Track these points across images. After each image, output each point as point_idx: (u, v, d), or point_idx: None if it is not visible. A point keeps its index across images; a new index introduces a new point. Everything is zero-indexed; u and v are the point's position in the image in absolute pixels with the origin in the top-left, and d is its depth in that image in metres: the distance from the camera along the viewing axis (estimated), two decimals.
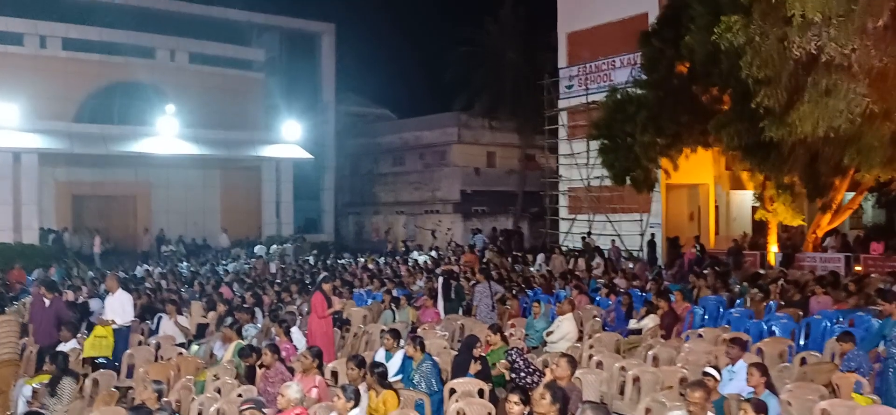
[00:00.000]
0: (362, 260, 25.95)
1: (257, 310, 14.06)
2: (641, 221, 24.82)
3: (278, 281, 20.00)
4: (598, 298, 15.00)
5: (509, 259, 23.83)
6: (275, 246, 29.63)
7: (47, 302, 11.88)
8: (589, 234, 26.01)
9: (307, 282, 19.36)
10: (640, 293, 14.96)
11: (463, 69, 34.17)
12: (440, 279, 16.10)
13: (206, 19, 36.85)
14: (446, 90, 35.71)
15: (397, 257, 26.77)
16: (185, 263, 25.55)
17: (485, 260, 22.56)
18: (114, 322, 11.53)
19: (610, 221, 25.88)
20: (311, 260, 26.63)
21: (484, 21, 34.34)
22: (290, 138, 33.40)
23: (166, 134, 30.05)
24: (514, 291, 15.38)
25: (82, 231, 30.59)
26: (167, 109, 30.74)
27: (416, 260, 25.07)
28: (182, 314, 13.99)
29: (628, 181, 21.89)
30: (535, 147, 34.01)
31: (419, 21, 70.62)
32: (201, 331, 13.43)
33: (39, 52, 32.15)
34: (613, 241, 24.66)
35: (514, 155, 36.52)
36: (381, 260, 26.09)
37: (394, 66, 56.98)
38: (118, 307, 11.91)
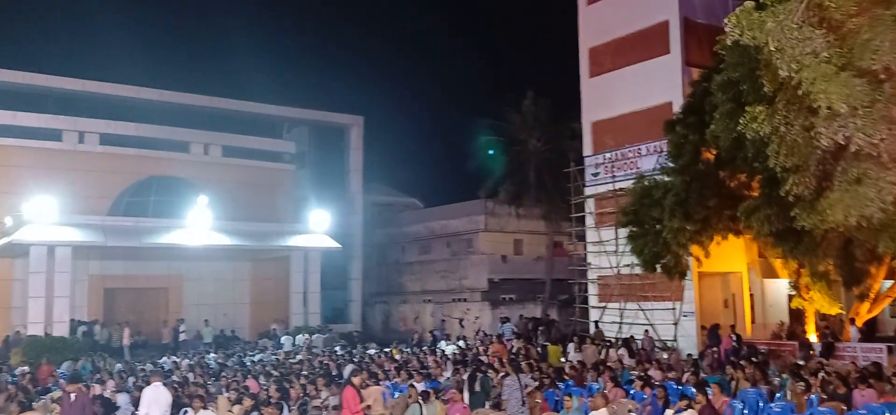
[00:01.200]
0: (389, 350, 25.68)
1: (284, 404, 13.88)
2: (674, 309, 24.37)
3: (305, 372, 19.79)
4: (632, 391, 14.61)
5: (538, 349, 23.42)
6: (302, 336, 29.55)
7: (73, 396, 11.89)
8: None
9: (334, 374, 19.14)
10: (676, 386, 14.54)
11: (486, 158, 34.57)
12: (467, 371, 15.84)
13: (239, 114, 37.97)
14: (471, 179, 36.05)
15: (425, 347, 26.45)
16: (212, 355, 25.47)
17: (513, 350, 22.19)
18: None
19: (642, 310, 25.44)
20: (339, 350, 26.43)
21: (505, 112, 34.81)
22: (318, 228, 33.71)
23: (199, 226, 30.49)
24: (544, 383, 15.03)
25: (112, 324, 30.79)
26: (199, 202, 31.31)
27: (443, 350, 24.74)
28: (207, 409, 13.84)
29: (658, 268, 21.60)
30: (563, 234, 33.90)
31: (443, 113, 72.13)
32: None
33: (77, 148, 33.28)
34: (646, 330, 24.19)
35: (542, 242, 36.39)
36: (408, 350, 25.80)
37: (419, 156, 57.94)
38: (153, 400, 11.90)
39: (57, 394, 15.65)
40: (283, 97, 39.76)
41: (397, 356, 23.36)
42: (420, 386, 15.32)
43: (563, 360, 21.59)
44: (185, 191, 33.29)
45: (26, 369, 20.79)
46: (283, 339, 30.35)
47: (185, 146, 36.03)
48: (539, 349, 23.55)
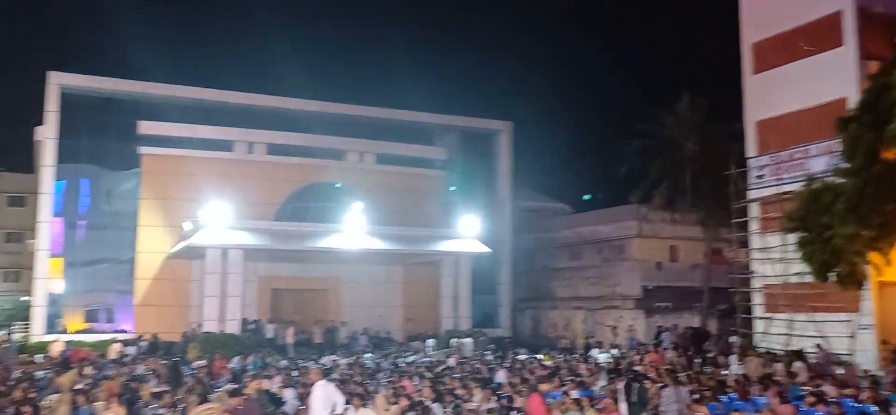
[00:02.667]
0: (540, 357, 25.47)
1: (437, 406, 14.09)
2: (850, 321, 22.44)
3: (457, 375, 20.02)
4: (803, 408, 13.57)
5: (698, 360, 22.35)
6: (453, 340, 29.96)
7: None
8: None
9: (485, 377, 19.22)
10: (853, 404, 13.36)
11: (639, 162, 33.41)
12: (623, 380, 15.37)
13: (392, 122, 39.23)
14: (622, 184, 35.04)
15: (576, 354, 26.01)
16: (369, 355, 26.39)
17: (670, 361, 21.32)
18: None
19: (813, 322, 23.63)
20: (490, 355, 26.54)
21: (659, 115, 33.53)
22: (467, 233, 34.07)
23: (354, 231, 31.72)
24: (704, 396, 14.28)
25: (278, 322, 32.67)
26: (355, 207, 32.58)
27: (596, 358, 24.21)
28: (366, 407, 14.31)
29: (831, 277, 19.96)
30: (722, 240, 32.23)
31: (593, 116, 70.72)
32: None
33: (247, 158, 35.71)
34: (819, 343, 22.43)
35: (698, 248, 34.73)
36: (559, 357, 25.46)
37: (568, 160, 57.07)
38: (323, 397, 12.42)
39: (229, 387, 16.77)
40: (433, 105, 40.65)
41: (548, 363, 23.13)
42: (574, 394, 15.06)
43: (723, 372, 20.46)
44: (342, 197, 34.83)
45: (202, 362, 22.43)
46: (427, 342, 30.96)
47: (342, 154, 37.74)
48: (701, 360, 22.49)
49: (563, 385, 16.69)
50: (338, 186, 36.40)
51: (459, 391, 16.89)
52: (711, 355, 24.16)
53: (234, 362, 22.86)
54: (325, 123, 37.29)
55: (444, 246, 33.89)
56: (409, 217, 35.57)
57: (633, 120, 35.26)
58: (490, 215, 38.34)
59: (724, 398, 15.03)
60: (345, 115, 38.34)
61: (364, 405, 14.17)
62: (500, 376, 18.92)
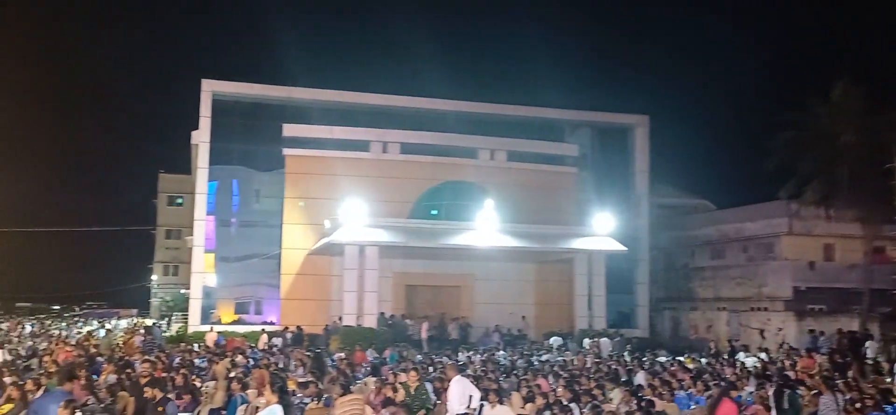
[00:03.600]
0: (682, 359, 24.47)
1: (574, 406, 13.81)
2: None
3: (593, 376, 19.59)
4: None
5: (857, 367, 20.67)
6: (587, 340, 29.40)
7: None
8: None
9: (623, 379, 18.67)
10: None
11: (788, 155, 31.32)
12: (772, 386, 14.45)
13: (523, 119, 39.01)
14: (769, 178, 32.99)
15: (722, 358, 24.80)
16: (502, 353, 26.37)
17: (825, 368, 19.85)
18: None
19: None
20: (627, 356, 25.81)
21: (811, 104, 31.27)
22: (602, 231, 33.32)
23: (487, 228, 31.81)
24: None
25: (413, 318, 33.32)
26: (487, 205, 32.67)
27: (742, 362, 22.96)
28: (503, 405, 14.25)
29: None
30: (885, 238, 29.70)
31: (736, 108, 67.17)
32: None
33: (382, 157, 36.65)
34: None
35: (858, 247, 32.16)
36: (703, 360, 24.36)
37: (710, 154, 54.61)
38: (459, 392, 12.51)
39: (370, 379, 17.27)
40: (565, 100, 40.10)
41: (690, 366, 22.17)
42: None
43: (888, 381, 18.81)
44: (475, 195, 35.00)
45: (343, 355, 23.22)
46: (552, 340, 30.57)
47: (474, 152, 37.94)
48: (860, 367, 20.80)
49: (708, 389, 15.93)
50: (471, 183, 36.59)
51: (596, 392, 16.53)
52: (873, 361, 22.29)
53: (373, 355, 23.52)
54: (457, 122, 37.66)
55: (578, 244, 33.31)
56: (541, 214, 35.23)
57: (781, 110, 33.16)
58: (626, 212, 37.30)
59: (888, 408, 13.80)
60: (476, 113, 38.56)
61: (500, 402, 14.13)
62: (640, 378, 18.32)
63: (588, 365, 23.23)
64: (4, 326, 39.74)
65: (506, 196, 34.89)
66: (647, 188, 40.17)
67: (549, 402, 13.99)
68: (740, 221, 36.85)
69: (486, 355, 25.27)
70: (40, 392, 11.60)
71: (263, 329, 30.60)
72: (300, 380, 17.00)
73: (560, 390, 15.63)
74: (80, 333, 33.23)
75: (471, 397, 13.32)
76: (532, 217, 34.48)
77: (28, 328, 37.89)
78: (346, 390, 14.04)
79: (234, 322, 35.38)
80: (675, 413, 14.07)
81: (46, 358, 18.72)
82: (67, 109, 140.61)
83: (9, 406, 11.33)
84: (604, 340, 29.40)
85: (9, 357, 19.43)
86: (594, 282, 33.41)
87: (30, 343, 25.43)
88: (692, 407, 15.00)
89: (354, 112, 37.22)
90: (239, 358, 20.12)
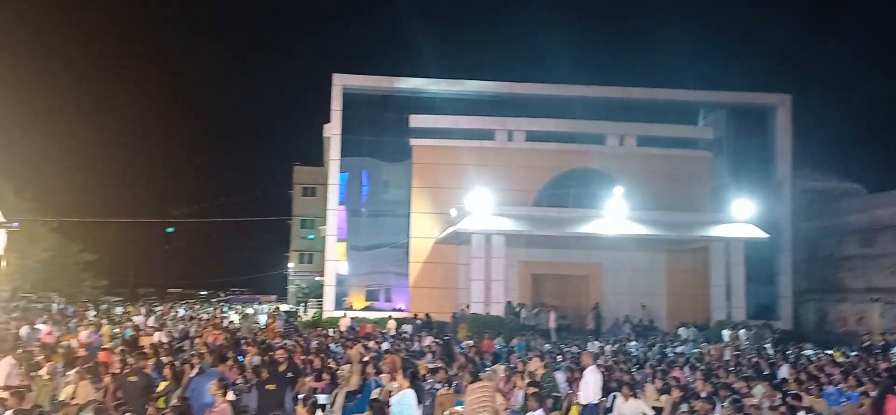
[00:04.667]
0: (830, 353, 22.89)
1: (715, 399, 13.17)
2: None
3: (732, 368, 18.69)
4: None
5: None
6: (726, 331, 28.11)
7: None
8: None
9: (766, 373, 17.68)
10: None
11: None
12: None
13: (653, 102, 37.69)
14: None
15: (876, 352, 22.99)
16: (633, 344, 25.68)
17: None
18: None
19: None
20: (770, 349, 24.45)
21: None
22: (740, 218, 31.70)
23: (615, 216, 31.04)
24: None
25: (539, 307, 33.07)
26: (615, 192, 31.88)
27: None
28: (637, 397, 13.82)
29: None
30: None
31: (892, 84, 61.97)
32: None
33: (507, 145, 36.51)
34: None
35: None
36: (854, 354, 22.67)
37: (862, 135, 50.63)
38: (595, 382, 12.28)
39: (499, 366, 17.23)
40: (698, 81, 38.39)
41: (840, 360, 20.69)
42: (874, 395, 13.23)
43: None
44: (602, 182, 34.23)
45: (471, 342, 23.35)
46: (680, 330, 29.38)
47: (602, 139, 37.06)
48: None
49: (862, 385, 14.78)
50: (598, 171, 35.79)
51: (737, 385, 15.71)
52: None
53: (499, 343, 23.51)
54: (583, 108, 36.87)
55: (714, 232, 31.87)
56: (673, 201, 34.01)
57: None
58: (766, 198, 35.23)
59: None
60: (604, 97, 37.58)
61: (633, 395, 13.69)
62: (784, 372, 17.29)
63: (726, 357, 22.23)
64: (159, 309, 42.87)
65: (636, 183, 33.92)
66: (789, 172, 37.79)
67: (686, 394, 13.43)
68: None
69: (617, 345, 24.68)
70: (195, 371, 12.35)
71: (390, 316, 31.30)
72: (430, 366, 17.25)
73: (698, 382, 14.98)
74: (225, 316, 35.27)
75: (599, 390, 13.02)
76: (664, 204, 33.38)
77: (180, 312, 40.63)
78: (475, 377, 14.08)
79: (365, 309, 36.42)
80: (824, 409, 13.15)
81: (197, 340, 19.98)
82: (210, 107, 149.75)
83: (165, 383, 12.13)
84: (743, 331, 28.00)
85: (165, 339, 20.90)
86: (732, 271, 31.90)
87: (181, 326, 27.23)
88: (842, 403, 13.97)
89: (479, 101, 37.30)
90: (371, 343, 20.68)
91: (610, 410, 13.27)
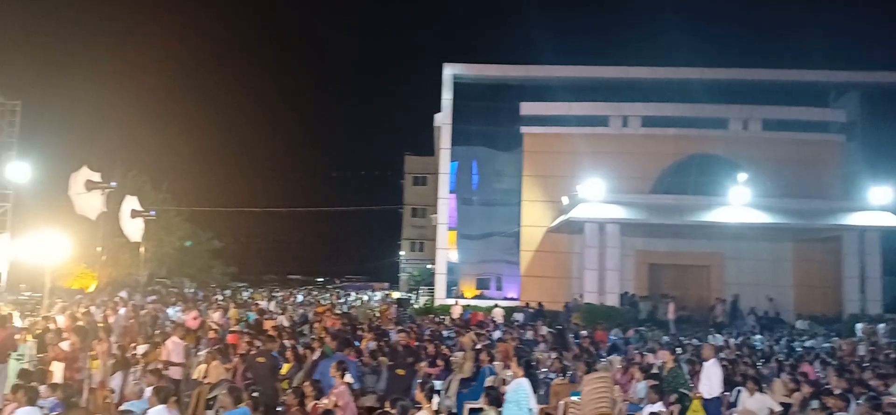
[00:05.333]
0: None
1: (849, 396, 12.33)
2: None
3: (866, 364, 17.46)
4: None
5: None
6: (860, 325, 26.33)
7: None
8: None
9: None
10: None
11: None
12: None
13: (780, 84, 35.68)
14: None
15: None
16: (758, 337, 24.49)
17: None
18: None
19: None
20: None
21: None
22: (875, 206, 29.56)
23: (738, 204, 29.70)
24: None
25: (656, 298, 32.11)
26: (739, 179, 30.48)
27: None
28: (763, 392, 13.16)
29: None
30: None
31: None
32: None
33: (622, 132, 35.61)
34: None
35: None
36: None
37: None
38: (706, 377, 11.83)
39: (615, 357, 16.87)
40: (830, 61, 35.92)
41: None
42: None
43: None
44: (724, 168, 32.84)
45: (585, 332, 22.98)
46: (798, 323, 27.69)
47: (724, 123, 35.47)
48: None
49: None
50: (719, 157, 34.29)
51: (873, 383, 14.67)
52: None
53: (613, 334, 23.03)
54: (703, 91, 35.35)
55: (848, 220, 29.87)
56: (801, 188, 32.15)
57: None
58: None
59: None
60: (725, 80, 35.88)
61: (759, 390, 13.05)
62: None
63: (861, 353, 20.84)
64: (279, 295, 44.75)
65: (760, 169, 32.44)
66: None
67: (818, 390, 12.66)
68: None
69: (740, 338, 23.63)
70: (317, 355, 12.76)
71: (496, 304, 31.26)
72: (544, 355, 17.13)
73: (832, 378, 14.08)
74: (342, 303, 36.43)
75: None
76: (791, 191, 31.68)
77: (299, 298, 42.28)
78: (590, 368, 13.86)
79: (476, 297, 36.59)
80: None
81: (316, 325, 20.68)
82: (325, 101, 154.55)
83: (288, 366, 12.60)
84: (881, 326, 26.11)
85: (286, 323, 21.76)
86: (867, 262, 29.80)
87: (301, 311, 28.27)
88: None
89: (593, 87, 36.49)
90: (483, 331, 20.74)
91: (734, 404, 12.72)
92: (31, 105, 28.81)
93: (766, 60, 36.95)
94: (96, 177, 11.72)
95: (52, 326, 15.35)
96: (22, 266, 22.09)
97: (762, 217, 29.70)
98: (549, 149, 35.72)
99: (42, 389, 9.51)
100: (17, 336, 13.23)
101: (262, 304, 30.48)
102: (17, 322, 15.93)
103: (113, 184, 12.16)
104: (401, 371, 10.91)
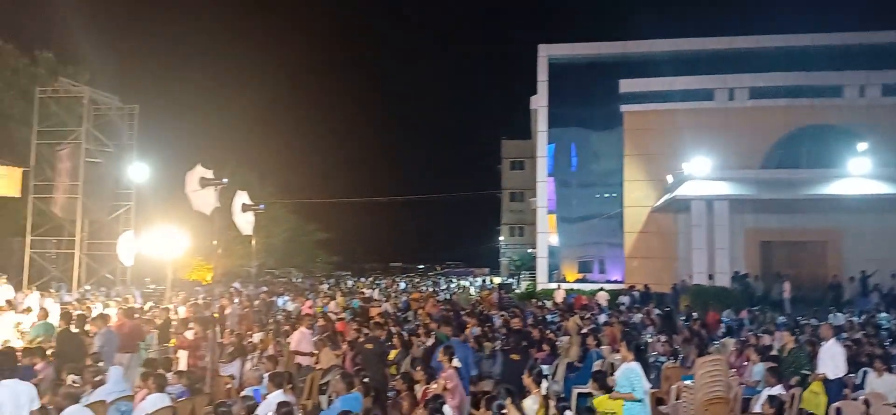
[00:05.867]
0: None
1: None
2: None
3: None
4: None
5: None
6: None
7: None
8: None
9: None
10: None
11: None
12: None
13: None
14: None
15: None
16: (884, 315, 23.01)
17: None
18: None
19: None
20: None
21: None
22: None
23: (857, 175, 27.96)
24: None
25: (770, 277, 30.71)
26: (858, 148, 28.67)
27: None
28: (891, 371, 12.36)
29: None
30: None
31: None
32: None
33: (728, 105, 34.17)
34: None
35: None
36: None
37: None
38: (828, 358, 11.25)
39: (729, 340, 16.27)
40: None
41: None
42: None
43: None
44: (840, 138, 31.03)
45: (695, 315, 22.25)
46: None
47: (838, 91, 33.40)
48: None
49: None
50: (834, 126, 32.35)
51: None
52: None
53: (724, 315, 22.23)
54: (816, 57, 33.42)
55: None
56: None
57: None
58: None
59: None
60: (838, 45, 33.73)
61: (888, 370, 12.26)
62: None
63: None
64: (382, 282, 45.67)
65: (880, 137, 30.40)
66: None
67: None
68: None
69: (864, 317, 22.27)
70: (431, 341, 12.91)
71: (602, 287, 30.72)
72: (653, 339, 16.73)
73: None
74: (444, 289, 36.80)
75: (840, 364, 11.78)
76: None
77: (401, 285, 43.01)
78: (701, 351, 13.41)
79: (578, 281, 36.14)
80: None
81: (419, 311, 20.96)
82: (420, 89, 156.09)
83: (395, 351, 12.81)
84: None
85: (391, 309, 22.17)
86: None
87: (404, 298, 28.73)
88: None
89: (696, 59, 35.14)
90: (588, 315, 20.44)
91: (860, 386, 12.02)
92: (147, 108, 30.37)
93: (882, 21, 34.34)
94: (209, 174, 12.25)
95: (173, 316, 16.24)
96: (145, 261, 23.43)
97: (884, 188, 27.85)
98: (651, 126, 34.74)
99: (169, 376, 10.06)
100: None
101: (367, 292, 31.18)
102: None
103: (224, 180, 12.63)
104: (515, 356, 10.84)
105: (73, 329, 12.23)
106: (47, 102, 25.62)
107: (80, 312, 15.10)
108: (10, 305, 16.60)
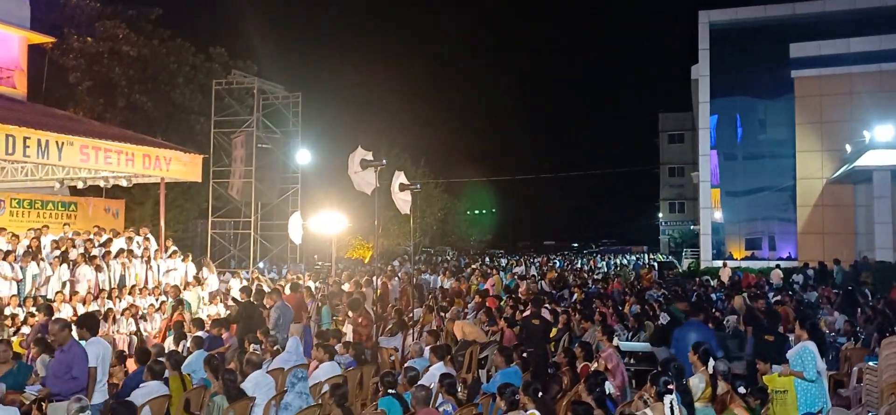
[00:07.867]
0: None
1: None
2: None
3: None
4: None
5: None
6: None
7: None
8: None
9: None
10: None
11: None
12: None
13: None
14: None
15: None
16: None
17: None
18: None
19: None
20: None
21: None
22: None
23: None
24: None
25: None
26: None
27: None
28: None
29: None
30: None
31: None
32: None
33: None
34: None
35: None
36: None
37: None
38: None
39: None
40: None
41: None
42: None
43: None
44: None
45: (877, 294, 20.48)
46: None
47: None
48: None
49: None
50: None
51: None
52: None
53: None
54: None
55: None
56: None
57: None
58: None
59: None
60: None
61: None
62: None
63: None
64: (537, 261, 45.62)
65: None
66: None
67: None
68: None
69: None
70: (664, 319, 12.79)
71: (777, 265, 28.87)
72: (829, 319, 15.63)
73: None
74: (600, 268, 36.22)
75: None
76: None
77: (556, 264, 42.78)
78: (884, 332, 12.36)
79: (746, 258, 34.26)
80: None
81: (574, 289, 20.79)
82: (574, 65, 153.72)
83: (555, 329, 12.78)
84: None
85: (547, 288, 22.13)
86: None
87: (558, 276, 28.51)
88: None
89: (874, 18, 32.05)
90: (758, 293, 19.34)
91: None
92: (308, 96, 32.07)
93: None
94: (369, 155, 12.73)
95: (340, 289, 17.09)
96: (312, 239, 24.78)
97: None
98: (826, 92, 32.17)
99: (338, 347, 10.63)
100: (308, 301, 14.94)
101: (518, 270, 31.27)
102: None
103: (383, 161, 13.08)
104: (770, 337, 10.33)
105: (253, 302, 13.20)
106: (222, 94, 27.65)
107: (259, 286, 16.31)
108: (198, 281, 18.16)
